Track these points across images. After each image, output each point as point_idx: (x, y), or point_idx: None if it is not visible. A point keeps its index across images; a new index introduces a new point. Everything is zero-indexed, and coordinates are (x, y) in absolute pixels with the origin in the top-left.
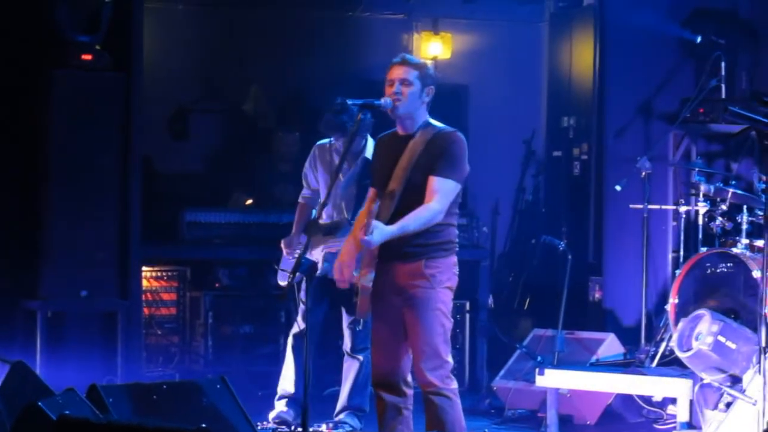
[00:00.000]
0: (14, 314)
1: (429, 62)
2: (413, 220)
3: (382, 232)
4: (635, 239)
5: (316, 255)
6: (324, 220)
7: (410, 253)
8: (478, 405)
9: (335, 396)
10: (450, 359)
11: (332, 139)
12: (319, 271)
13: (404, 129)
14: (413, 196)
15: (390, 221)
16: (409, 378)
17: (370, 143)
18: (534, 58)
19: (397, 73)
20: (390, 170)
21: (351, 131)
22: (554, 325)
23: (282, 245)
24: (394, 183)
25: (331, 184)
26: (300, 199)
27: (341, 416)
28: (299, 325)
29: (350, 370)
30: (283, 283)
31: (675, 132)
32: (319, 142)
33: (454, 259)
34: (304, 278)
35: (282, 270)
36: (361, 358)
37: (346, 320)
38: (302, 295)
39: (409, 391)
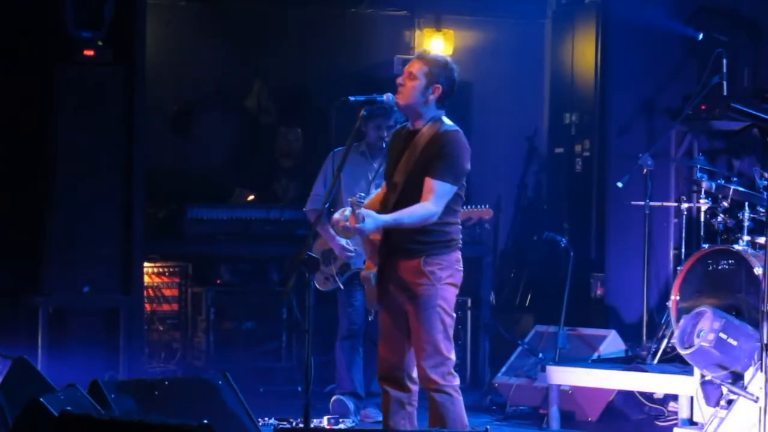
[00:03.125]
0: (16, 310)
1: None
2: (408, 215)
3: (375, 219)
4: (637, 236)
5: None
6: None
7: (410, 249)
8: (480, 402)
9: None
10: (452, 356)
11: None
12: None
13: (413, 124)
14: (414, 190)
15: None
16: (415, 374)
17: None
18: (536, 55)
19: (409, 66)
20: (397, 163)
21: (353, 128)
22: (556, 322)
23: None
24: (398, 176)
25: (337, 175)
26: (318, 206)
27: None
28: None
29: None
30: (325, 286)
31: (677, 129)
32: (336, 149)
33: (457, 255)
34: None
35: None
36: None
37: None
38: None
39: (414, 387)
